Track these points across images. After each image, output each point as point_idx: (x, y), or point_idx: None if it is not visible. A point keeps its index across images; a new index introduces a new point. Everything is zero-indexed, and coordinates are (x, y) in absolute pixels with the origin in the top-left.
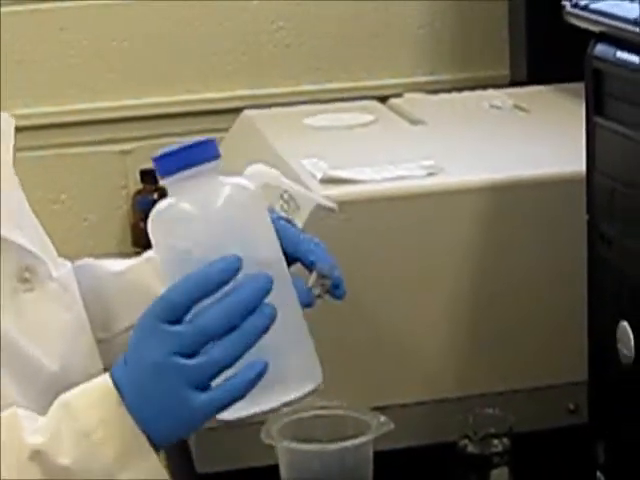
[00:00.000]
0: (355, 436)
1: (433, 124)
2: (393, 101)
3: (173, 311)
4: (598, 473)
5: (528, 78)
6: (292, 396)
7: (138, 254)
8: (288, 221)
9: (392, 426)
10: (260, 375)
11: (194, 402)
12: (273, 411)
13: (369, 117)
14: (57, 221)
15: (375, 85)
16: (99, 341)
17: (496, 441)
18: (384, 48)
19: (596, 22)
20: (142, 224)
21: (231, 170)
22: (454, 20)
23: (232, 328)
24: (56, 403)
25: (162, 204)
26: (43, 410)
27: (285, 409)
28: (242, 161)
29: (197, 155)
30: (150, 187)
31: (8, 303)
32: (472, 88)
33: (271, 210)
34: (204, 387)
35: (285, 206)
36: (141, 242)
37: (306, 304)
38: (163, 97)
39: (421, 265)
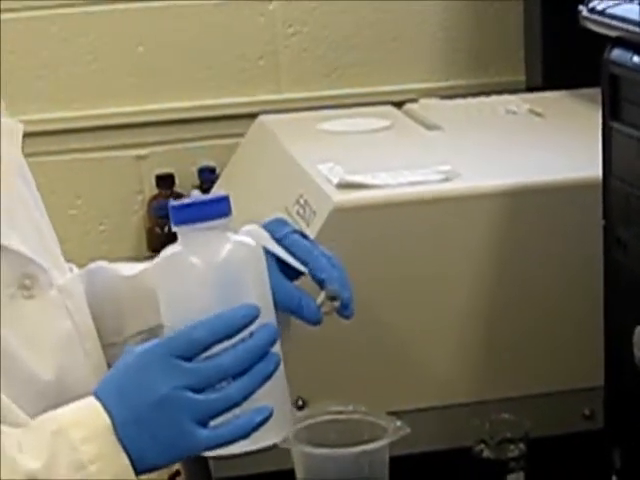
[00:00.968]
0: (371, 440)
1: (449, 129)
2: (409, 106)
3: (195, 348)
4: (614, 479)
5: (544, 83)
6: (270, 441)
7: (153, 258)
8: (303, 235)
9: (408, 431)
10: (266, 420)
11: (198, 437)
12: (246, 454)
13: (385, 122)
14: (73, 226)
15: (391, 90)
16: (111, 345)
17: (512, 446)
18: (400, 53)
19: (613, 27)
20: (158, 229)
21: (247, 177)
22: (470, 26)
23: (244, 371)
24: (49, 427)
25: (171, 250)
26: (35, 417)
27: (300, 414)
28: (258, 166)
29: (211, 211)
30: (166, 192)
31: (6, 309)
32: (488, 93)
33: (287, 223)
34: (204, 423)
35: (301, 211)
36: (157, 247)
37: (314, 322)
38: (179, 102)
39: (437, 270)
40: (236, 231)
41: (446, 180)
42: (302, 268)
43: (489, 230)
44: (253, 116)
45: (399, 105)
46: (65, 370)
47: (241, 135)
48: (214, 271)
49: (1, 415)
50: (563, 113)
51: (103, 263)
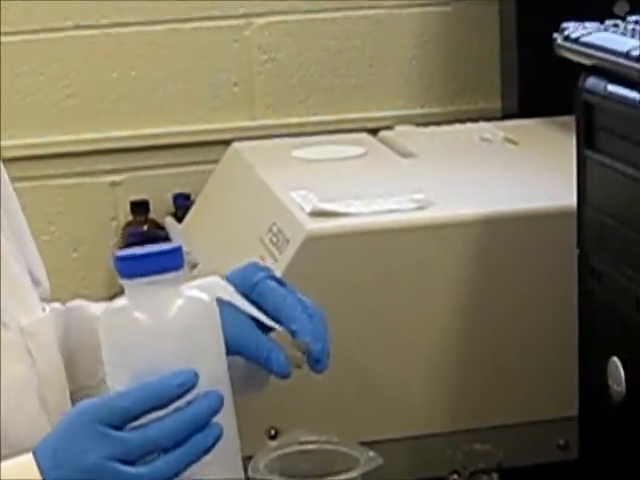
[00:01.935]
0: (344, 471)
1: (424, 157)
2: (384, 134)
3: (120, 417)
4: None
5: (520, 110)
6: None
7: None
8: (279, 281)
9: (381, 461)
10: None
11: None
12: None
13: (359, 150)
14: (46, 252)
15: (366, 117)
16: (85, 387)
17: (485, 477)
18: (375, 80)
19: (587, 55)
20: None
21: (222, 204)
22: (446, 53)
23: (179, 443)
24: None
25: (116, 304)
26: None
27: (272, 444)
28: (232, 193)
29: (161, 264)
30: (140, 219)
31: None
32: (463, 121)
33: (262, 269)
34: None
35: (274, 239)
36: None
37: (281, 376)
38: (153, 128)
39: (410, 298)
40: (195, 283)
41: (420, 208)
42: (271, 323)
43: (463, 259)
44: (227, 143)
45: (374, 132)
46: (12, 415)
47: (215, 162)
48: (160, 328)
49: None
50: (538, 141)
51: (82, 302)
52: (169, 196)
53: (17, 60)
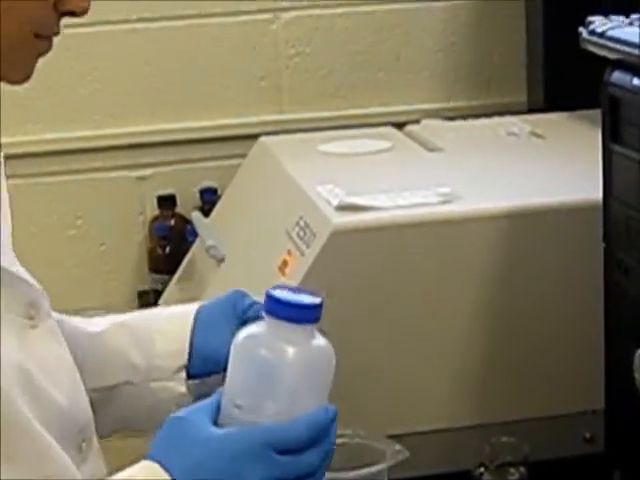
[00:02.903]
0: (370, 464)
1: (450, 151)
2: (410, 128)
3: (290, 445)
4: None
5: (545, 105)
6: None
7: (155, 281)
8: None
9: (407, 454)
10: None
11: None
12: None
13: (386, 144)
14: (73, 246)
15: (392, 111)
16: None
17: (512, 469)
18: (402, 74)
19: (613, 49)
20: (159, 250)
21: (249, 198)
22: (472, 47)
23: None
24: None
25: (255, 330)
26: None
27: None
28: (259, 188)
29: (307, 315)
30: (167, 213)
31: (19, 340)
32: (489, 115)
33: (247, 294)
34: None
35: (301, 233)
36: (158, 267)
37: None
38: (181, 123)
39: (436, 292)
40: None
41: (446, 202)
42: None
43: (489, 252)
44: (255, 137)
45: (401, 126)
46: (74, 396)
47: (243, 156)
48: (305, 365)
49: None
50: (564, 135)
51: (59, 316)
52: (196, 190)
53: (46, 56)
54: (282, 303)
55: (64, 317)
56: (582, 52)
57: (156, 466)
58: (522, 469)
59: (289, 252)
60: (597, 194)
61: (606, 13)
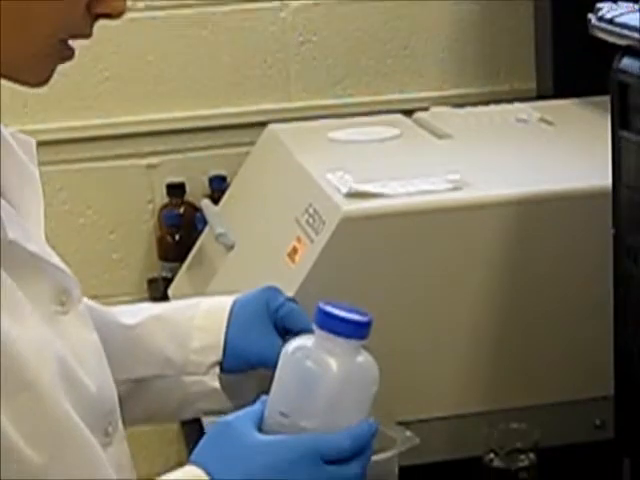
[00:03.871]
0: (381, 451)
1: (459, 138)
2: (419, 115)
3: (338, 455)
4: None
5: (555, 91)
6: None
7: (165, 268)
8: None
9: (417, 441)
10: None
11: None
12: None
13: (395, 131)
14: (83, 234)
15: (401, 99)
16: None
17: (522, 456)
18: (410, 61)
19: (622, 35)
20: (168, 237)
21: (258, 185)
22: (480, 33)
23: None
24: None
25: (304, 341)
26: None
27: None
28: (268, 175)
29: (355, 331)
30: (176, 201)
31: (51, 326)
32: (498, 101)
33: (281, 292)
34: None
35: (310, 220)
36: (167, 255)
37: None
38: (189, 111)
39: (446, 279)
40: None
41: (456, 189)
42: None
43: (499, 239)
44: (263, 125)
45: (409, 113)
46: (102, 381)
47: (251, 144)
48: (349, 378)
49: None
50: (574, 121)
51: (91, 303)
52: (205, 178)
53: None
54: (333, 317)
55: (99, 306)
56: (591, 38)
57: (201, 473)
58: (532, 455)
59: (298, 239)
60: (606, 180)
61: None
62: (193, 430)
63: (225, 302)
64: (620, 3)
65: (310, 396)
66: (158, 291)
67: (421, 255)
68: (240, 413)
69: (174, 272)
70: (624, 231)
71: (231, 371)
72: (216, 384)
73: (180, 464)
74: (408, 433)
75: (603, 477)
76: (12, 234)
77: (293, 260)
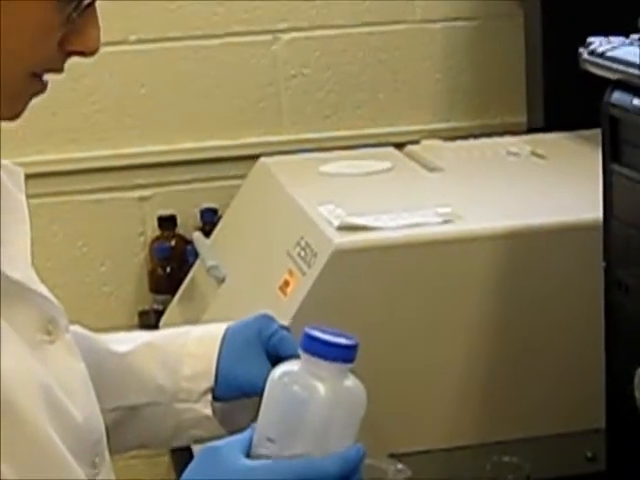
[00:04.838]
0: None
1: (450, 171)
2: (410, 148)
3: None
4: None
5: (545, 125)
6: None
7: (156, 301)
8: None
9: (409, 473)
10: None
11: None
12: None
13: (386, 164)
14: (74, 267)
15: (392, 132)
16: None
17: None
18: (401, 95)
19: (612, 69)
20: (160, 270)
21: (249, 218)
22: (471, 67)
23: None
24: None
25: (290, 367)
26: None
27: None
28: (260, 208)
29: (341, 354)
30: (168, 233)
31: (37, 355)
32: (489, 135)
33: (275, 320)
34: None
35: (302, 253)
36: (159, 288)
37: None
38: (181, 144)
39: (437, 311)
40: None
41: (446, 222)
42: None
43: (489, 272)
44: (255, 158)
45: (401, 146)
46: (89, 411)
47: (243, 177)
48: (336, 403)
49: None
50: (565, 155)
51: (80, 329)
52: (197, 211)
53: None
54: (319, 341)
55: (91, 334)
56: (581, 72)
57: None
58: None
59: (290, 272)
60: (597, 213)
61: (606, 33)
62: (183, 458)
63: (218, 329)
64: (611, 37)
65: (297, 421)
66: (149, 324)
67: (412, 287)
68: (229, 439)
69: (165, 305)
70: (615, 264)
71: (224, 398)
72: (208, 411)
73: None
74: (400, 465)
75: None
76: None
77: (285, 293)
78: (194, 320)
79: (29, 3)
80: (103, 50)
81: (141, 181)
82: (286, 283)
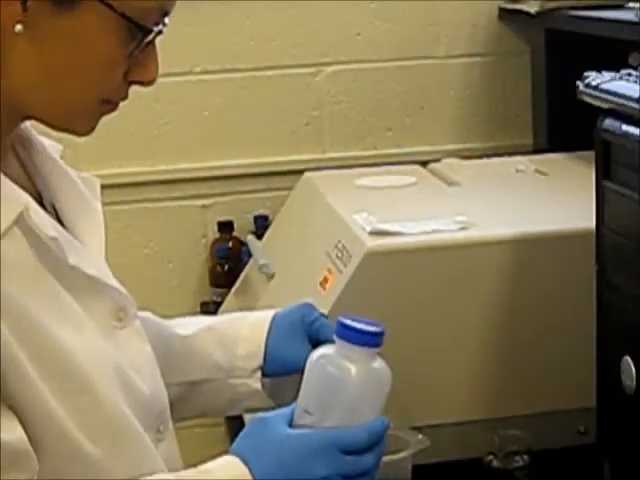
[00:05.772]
0: (396, 452)
1: (467, 185)
2: (433, 165)
3: (355, 447)
4: None
5: (549, 146)
6: None
7: (215, 294)
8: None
9: (428, 443)
10: None
11: None
12: None
13: (412, 179)
14: (146, 264)
15: (417, 151)
16: None
17: (517, 457)
18: (426, 120)
19: (604, 100)
20: (219, 267)
21: (295, 224)
22: (485, 97)
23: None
24: None
25: (326, 350)
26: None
27: None
28: (304, 215)
29: (370, 340)
30: (226, 236)
31: (109, 339)
32: (500, 154)
33: (316, 308)
34: None
35: (339, 254)
36: (218, 283)
37: None
38: (238, 160)
39: (453, 304)
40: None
41: (463, 229)
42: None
43: (499, 271)
44: (300, 172)
45: (425, 164)
46: (154, 386)
47: (290, 188)
48: (367, 381)
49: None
50: (565, 172)
51: (150, 315)
52: (251, 217)
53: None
54: (351, 329)
55: (160, 320)
56: (579, 102)
57: (237, 461)
58: (526, 457)
59: (329, 270)
60: (591, 223)
61: (600, 69)
62: (236, 426)
63: (267, 315)
64: (604, 72)
65: (332, 397)
66: (209, 313)
67: (432, 284)
68: (275, 412)
69: (223, 297)
70: (606, 267)
71: (271, 375)
72: (258, 386)
73: None
74: (420, 436)
75: (587, 478)
76: (72, 260)
77: (324, 288)
78: (247, 310)
79: (100, 42)
80: (172, 79)
81: (203, 191)
82: (325, 280)
